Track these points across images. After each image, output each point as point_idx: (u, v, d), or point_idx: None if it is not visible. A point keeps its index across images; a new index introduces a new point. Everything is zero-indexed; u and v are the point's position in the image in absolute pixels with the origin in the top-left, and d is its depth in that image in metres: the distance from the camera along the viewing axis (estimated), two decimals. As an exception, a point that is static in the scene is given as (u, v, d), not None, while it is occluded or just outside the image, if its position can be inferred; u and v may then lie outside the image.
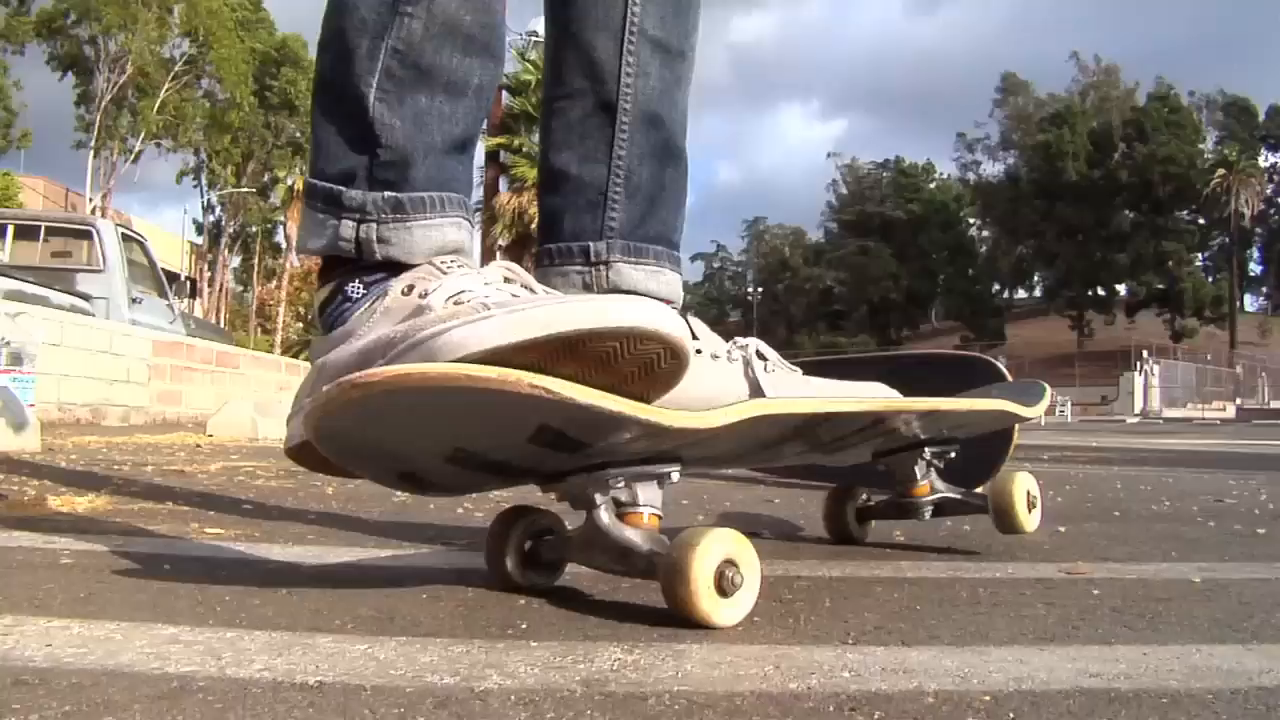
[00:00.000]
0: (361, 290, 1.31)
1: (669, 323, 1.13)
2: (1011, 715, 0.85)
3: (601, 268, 1.57)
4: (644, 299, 1.17)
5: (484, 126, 1.76)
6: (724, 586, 1.15)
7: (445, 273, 1.28)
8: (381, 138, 1.33)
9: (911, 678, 0.96)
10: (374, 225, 1.32)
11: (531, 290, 1.27)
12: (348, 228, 1.32)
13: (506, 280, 1.28)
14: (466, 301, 1.19)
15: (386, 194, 1.32)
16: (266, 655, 1.00)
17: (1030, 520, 1.84)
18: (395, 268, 1.31)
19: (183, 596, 1.28)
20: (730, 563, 1.16)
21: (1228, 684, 0.96)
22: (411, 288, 1.26)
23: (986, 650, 1.08)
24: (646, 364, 1.16)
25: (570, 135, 1.60)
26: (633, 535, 1.24)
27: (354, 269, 1.33)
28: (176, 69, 45.08)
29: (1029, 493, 1.84)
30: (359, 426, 1.13)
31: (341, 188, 1.34)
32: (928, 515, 1.86)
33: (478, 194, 25.96)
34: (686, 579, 1.13)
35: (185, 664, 0.96)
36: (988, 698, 0.89)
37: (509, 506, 1.44)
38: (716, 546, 1.15)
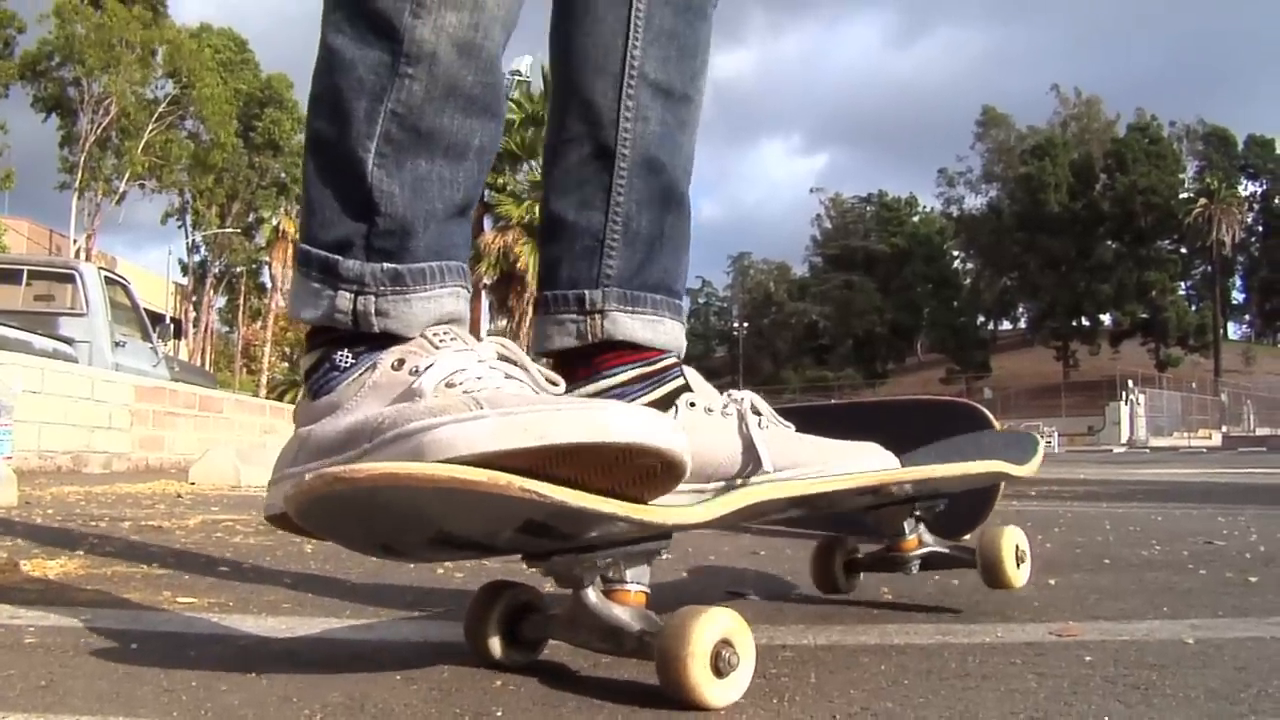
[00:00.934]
0: (350, 360, 1.26)
1: (667, 437, 1.09)
2: (1003, 818, 0.82)
3: (596, 316, 1.52)
4: (643, 410, 1.12)
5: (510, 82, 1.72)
6: (720, 667, 1.12)
7: (438, 348, 1.23)
8: (380, 205, 1.27)
9: (899, 772, 0.92)
10: (372, 298, 1.26)
11: (526, 370, 1.24)
12: (344, 299, 1.27)
13: (501, 359, 1.24)
14: (459, 385, 1.16)
15: (386, 265, 1.27)
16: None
17: (1019, 575, 1.80)
18: (389, 339, 1.27)
19: (148, 683, 1.24)
20: (726, 643, 1.13)
21: (1227, 771, 0.92)
22: (402, 362, 1.22)
23: (976, 735, 1.04)
24: (643, 473, 1.13)
25: (568, 180, 1.57)
26: (621, 614, 1.21)
27: (345, 336, 1.28)
28: (160, 110, 45.10)
29: (1018, 547, 1.81)
30: (340, 512, 1.09)
31: (338, 257, 1.27)
32: (915, 569, 1.83)
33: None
34: (682, 661, 1.10)
35: (143, 765, 0.92)
36: (978, 797, 0.86)
37: (490, 581, 1.39)
38: (712, 627, 1.12)
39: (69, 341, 10.17)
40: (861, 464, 1.58)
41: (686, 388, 1.46)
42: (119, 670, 1.31)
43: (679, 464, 1.11)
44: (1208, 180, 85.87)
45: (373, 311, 1.26)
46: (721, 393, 1.51)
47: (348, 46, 1.28)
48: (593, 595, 1.22)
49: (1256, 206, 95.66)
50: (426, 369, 1.18)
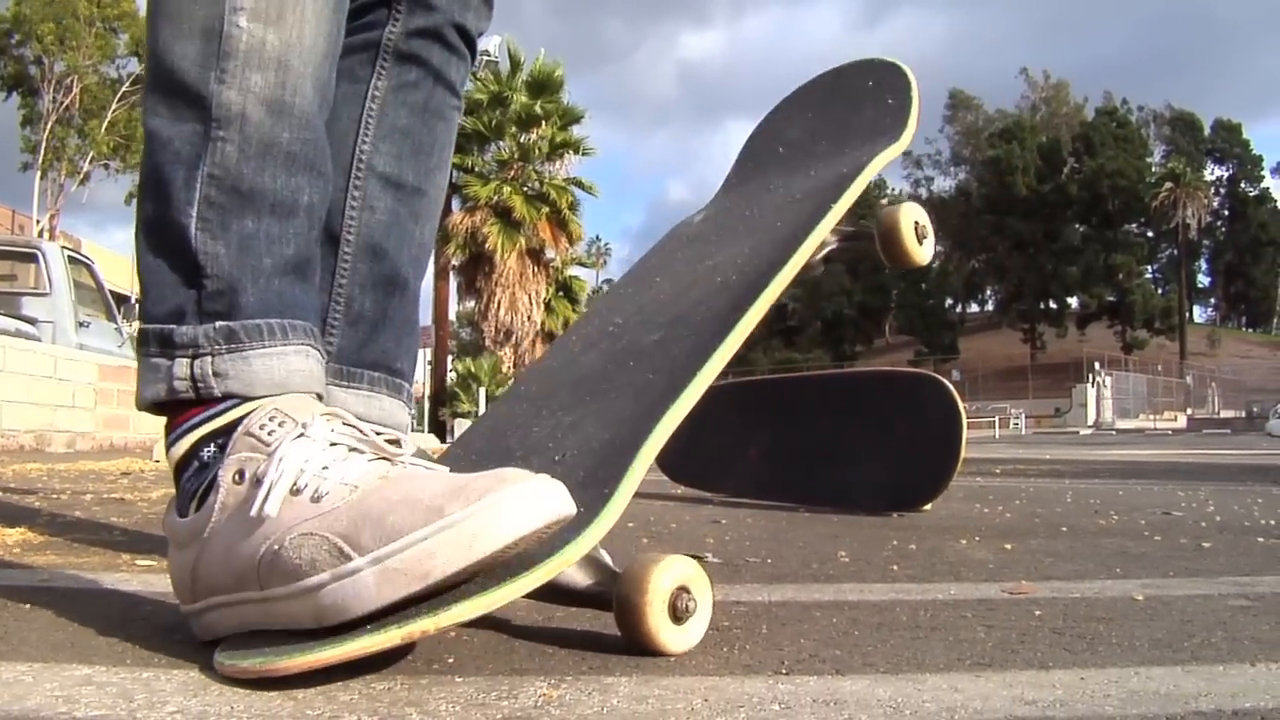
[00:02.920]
0: (214, 453, 1.20)
1: (548, 509, 1.03)
2: (942, 748, 0.83)
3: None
4: (507, 492, 1.03)
5: (465, 70, 1.82)
6: (679, 614, 1.14)
7: (269, 445, 1.14)
8: (206, 267, 1.24)
9: (842, 709, 0.93)
10: (209, 359, 1.22)
11: (365, 437, 1.17)
12: (182, 366, 1.23)
13: (334, 444, 1.15)
14: (305, 491, 1.09)
15: (218, 324, 1.23)
16: (181, 696, 0.96)
17: (922, 252, 1.80)
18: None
19: (103, 634, 1.24)
20: (684, 589, 1.15)
21: (1164, 709, 0.94)
22: (241, 474, 1.15)
23: (922, 678, 1.06)
24: (539, 542, 1.07)
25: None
26: (573, 568, 1.21)
27: (203, 422, 1.22)
28: (124, 89, 44.63)
29: (917, 223, 1.79)
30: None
31: (172, 326, 1.25)
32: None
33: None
34: (641, 608, 1.12)
35: (95, 707, 0.92)
36: (918, 730, 0.87)
37: None
38: (670, 573, 1.14)
39: (32, 321, 10.08)
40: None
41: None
42: (74, 623, 1.31)
43: (567, 519, 1.06)
44: (1174, 164, 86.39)
45: (210, 373, 1.22)
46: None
47: (164, 126, 1.28)
48: None
49: (1222, 190, 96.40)
50: (266, 479, 1.11)
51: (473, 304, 30.41)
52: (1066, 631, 1.31)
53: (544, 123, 28.40)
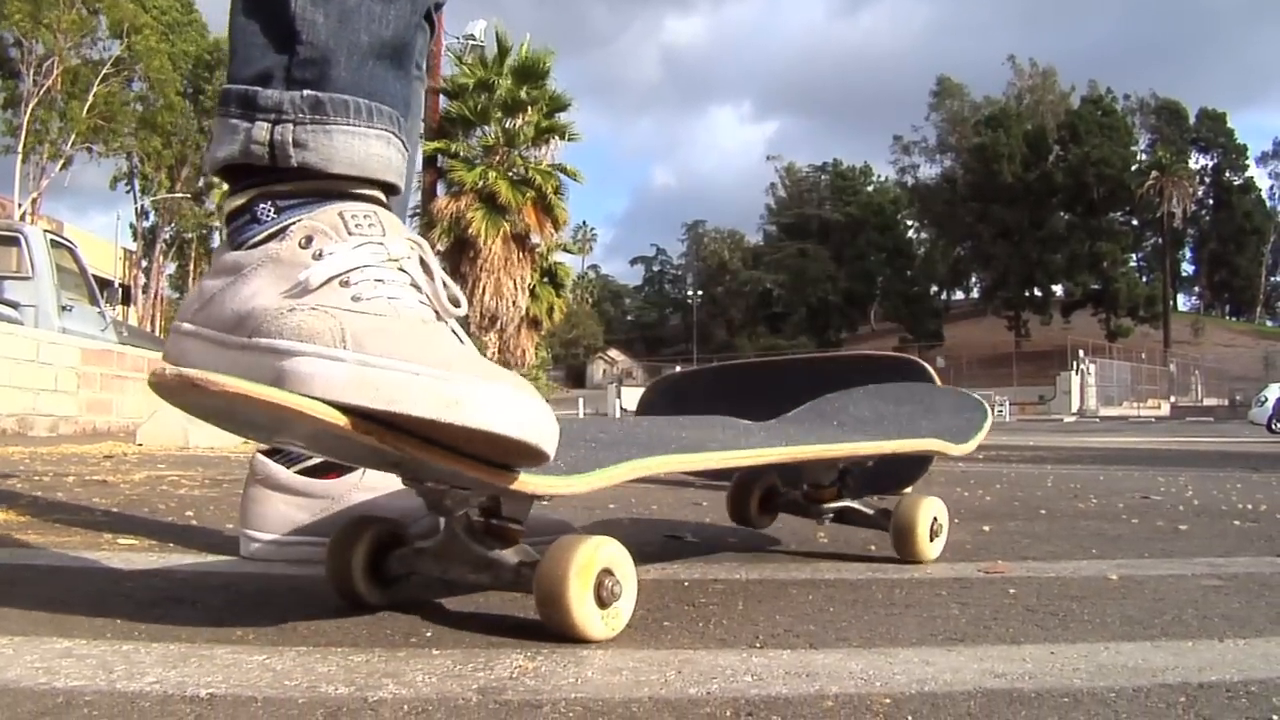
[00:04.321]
0: (272, 214, 1.18)
1: (529, 428, 1.01)
2: (910, 718, 0.84)
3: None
4: (508, 391, 1.02)
5: (425, 41, 1.73)
6: (603, 597, 1.10)
7: (350, 233, 1.15)
8: (302, 34, 1.18)
9: (814, 681, 0.95)
10: (290, 126, 1.18)
11: (432, 281, 1.17)
12: (261, 130, 1.18)
13: (402, 270, 1.15)
14: (352, 286, 1.10)
15: (305, 92, 1.18)
16: (160, 668, 0.97)
17: (932, 549, 1.76)
18: (311, 194, 1.19)
19: (83, 609, 1.25)
20: (608, 572, 1.11)
21: (1131, 682, 0.95)
22: (310, 240, 1.14)
23: (894, 652, 1.07)
24: (501, 450, 1.05)
25: None
26: (495, 546, 1.19)
27: (270, 182, 1.20)
28: (105, 70, 44.31)
29: (935, 519, 1.76)
30: (202, 405, 1.10)
31: (257, 88, 1.19)
32: (828, 520, 1.85)
33: (415, 198, 25.86)
34: (563, 592, 1.08)
35: (75, 678, 0.93)
36: (888, 700, 0.89)
37: (349, 520, 1.33)
38: (594, 556, 1.10)
39: (14, 305, 10.03)
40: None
41: None
42: (55, 598, 1.31)
43: (541, 455, 1.04)
44: (1159, 153, 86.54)
45: (290, 141, 1.18)
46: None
47: None
48: (461, 526, 1.20)
49: (1207, 180, 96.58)
50: (329, 255, 1.12)
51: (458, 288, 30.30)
52: (1040, 609, 1.32)
53: (530, 109, 28.33)
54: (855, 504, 1.84)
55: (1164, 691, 0.92)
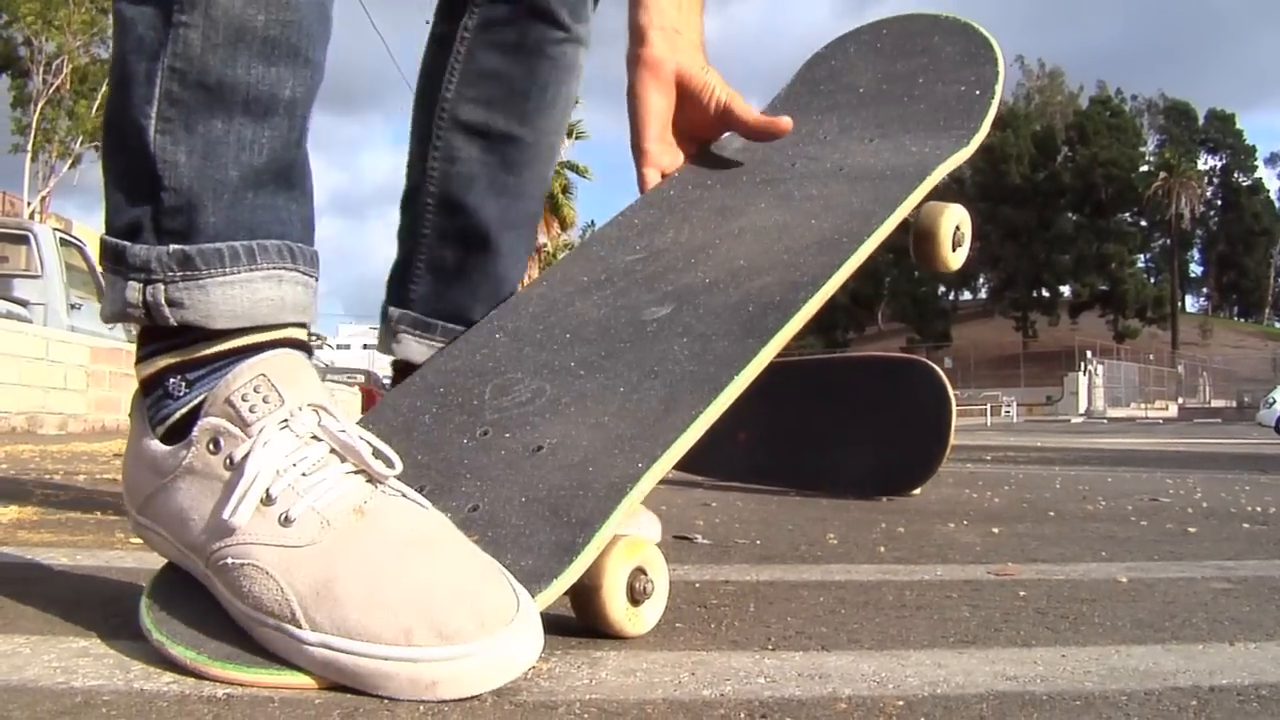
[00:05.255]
0: (183, 389, 1.10)
1: (515, 672, 0.92)
2: (923, 720, 0.85)
3: (393, 333, 1.69)
4: (493, 647, 0.90)
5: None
6: (635, 596, 1.11)
7: (248, 423, 1.01)
8: (164, 178, 1.09)
9: (827, 683, 0.95)
10: (161, 286, 1.08)
11: (351, 446, 1.03)
12: (133, 290, 1.09)
13: (316, 438, 1.03)
14: (275, 504, 0.99)
15: (172, 248, 1.09)
16: (178, 668, 0.98)
17: (954, 259, 1.65)
18: (217, 359, 1.09)
19: (99, 608, 1.25)
20: (641, 571, 1.11)
21: (1143, 685, 0.96)
22: (217, 445, 1.03)
23: (905, 654, 1.08)
24: None
25: (403, 210, 1.76)
26: None
27: (168, 350, 1.11)
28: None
29: (957, 228, 1.63)
30: None
31: (125, 243, 1.11)
32: None
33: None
34: (598, 592, 1.09)
35: (93, 678, 0.93)
36: (900, 703, 0.89)
37: None
38: (628, 557, 1.11)
39: (23, 303, 10.06)
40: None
41: None
42: (71, 597, 1.32)
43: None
44: (1168, 154, 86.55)
45: (163, 302, 1.08)
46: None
47: (126, 5, 1.11)
48: None
49: (1216, 181, 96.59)
50: (240, 469, 1.00)
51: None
52: (1050, 612, 1.33)
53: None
54: None
55: (1175, 695, 0.93)
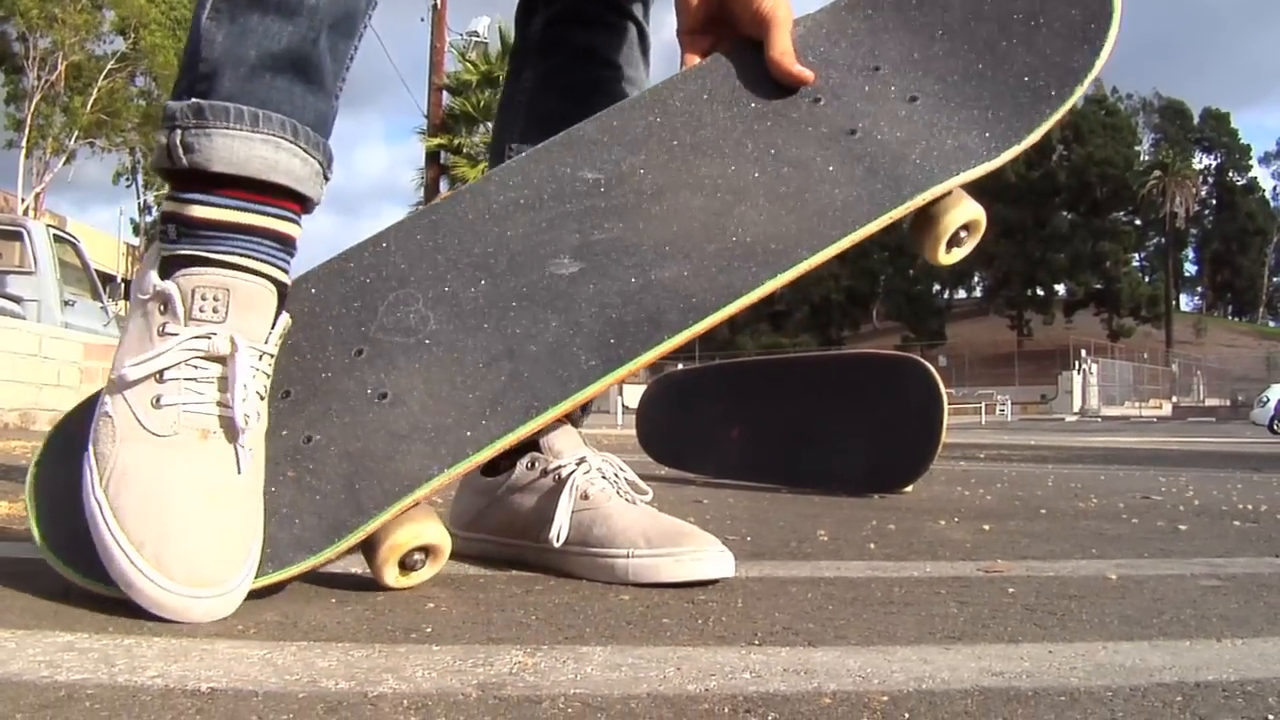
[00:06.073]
0: (173, 234, 1.31)
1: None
2: (907, 716, 0.84)
3: None
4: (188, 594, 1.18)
5: (622, 41, 1.82)
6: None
7: (189, 318, 1.27)
8: (201, 51, 1.31)
9: (812, 678, 0.95)
10: (179, 131, 1.29)
11: (227, 389, 1.26)
12: (163, 135, 1.31)
13: (216, 360, 1.27)
14: (163, 379, 1.25)
15: (192, 100, 1.30)
16: (161, 662, 0.97)
17: (947, 256, 1.53)
18: (217, 228, 1.29)
19: (87, 603, 1.25)
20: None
21: (1129, 681, 0.96)
22: (166, 306, 1.27)
23: (892, 650, 1.07)
24: None
25: None
26: None
27: (188, 193, 1.31)
28: (110, 66, 44.25)
29: (966, 226, 1.51)
30: None
31: (169, 101, 1.33)
32: None
33: (418, 195, 25.78)
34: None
35: (76, 672, 0.93)
36: (885, 698, 0.89)
37: None
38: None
39: (17, 300, 10.05)
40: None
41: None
42: (57, 593, 1.32)
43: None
44: (1163, 153, 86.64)
45: (179, 144, 1.29)
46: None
47: None
48: None
49: (1210, 180, 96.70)
50: (161, 340, 1.26)
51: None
52: (1038, 608, 1.33)
53: (533, 105, 28.24)
54: None
55: (1161, 691, 0.93)
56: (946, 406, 3.05)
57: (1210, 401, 56.13)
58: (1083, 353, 54.06)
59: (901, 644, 1.11)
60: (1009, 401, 45.29)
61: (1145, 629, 1.21)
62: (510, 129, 1.83)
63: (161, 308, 1.26)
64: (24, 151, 42.32)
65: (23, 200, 40.42)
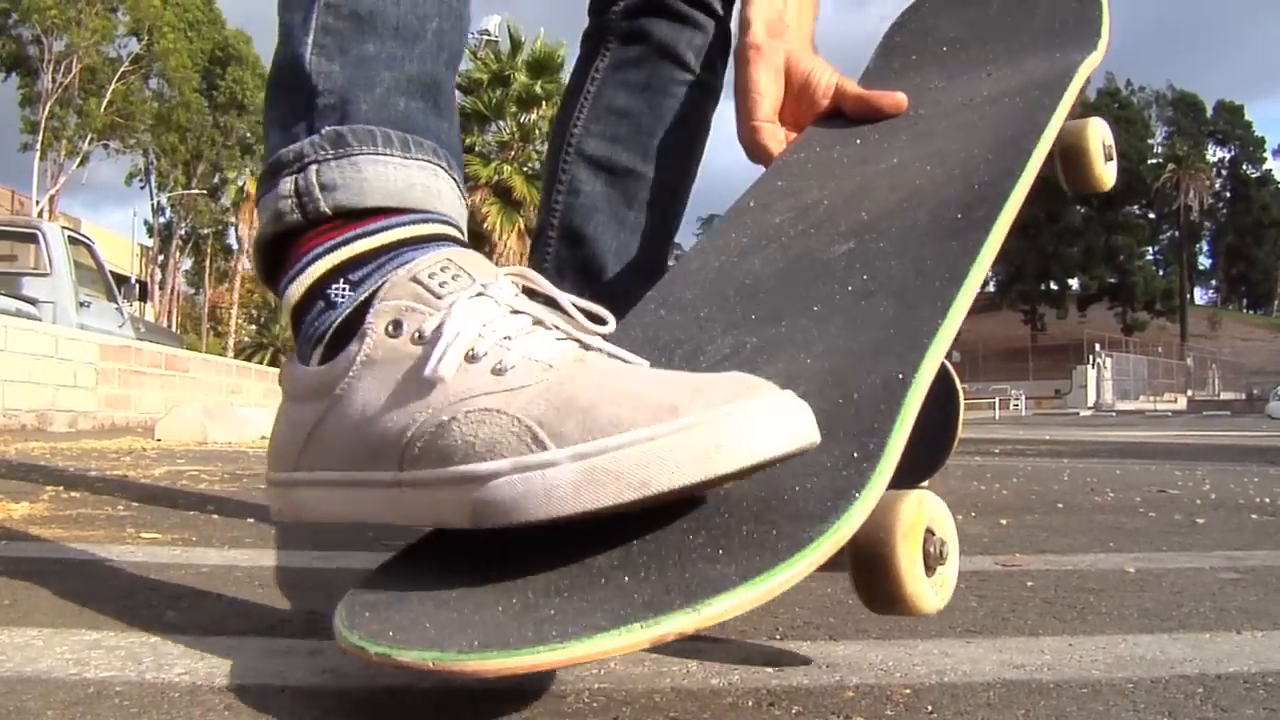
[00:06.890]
0: (348, 292, 1.00)
1: (797, 436, 0.82)
2: (930, 708, 0.85)
3: None
4: (763, 400, 0.82)
5: (705, 40, 1.79)
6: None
7: (440, 295, 0.94)
8: (319, 85, 1.07)
9: (835, 672, 0.96)
10: (314, 168, 1.03)
11: (558, 307, 0.96)
12: (286, 184, 1.04)
13: (516, 311, 0.95)
14: (483, 359, 0.89)
15: (326, 129, 1.05)
16: (188, 659, 0.98)
17: (1108, 173, 1.51)
18: (378, 253, 1.00)
19: (110, 601, 1.26)
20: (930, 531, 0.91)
21: (1149, 673, 0.96)
22: (399, 325, 0.94)
23: (913, 644, 1.08)
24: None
25: (534, 240, 1.80)
26: None
27: (330, 250, 1.02)
28: (124, 68, 44.45)
29: (1104, 142, 1.50)
30: None
31: (279, 150, 1.07)
32: None
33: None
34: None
35: (105, 669, 0.94)
36: (908, 691, 0.89)
37: None
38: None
39: (32, 301, 10.11)
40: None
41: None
42: (83, 591, 1.33)
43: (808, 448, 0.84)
44: (1176, 146, 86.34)
45: (315, 184, 1.03)
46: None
47: None
48: None
49: (1224, 172, 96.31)
50: (435, 337, 0.91)
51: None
52: (1057, 601, 1.33)
53: (544, 103, 28.34)
54: None
55: (1182, 683, 0.93)
56: (962, 402, 3.05)
57: (1225, 395, 55.98)
58: (1097, 347, 53.94)
59: (922, 638, 1.11)
60: (1023, 396, 45.25)
61: (1165, 621, 1.21)
62: (575, 116, 1.79)
63: (392, 328, 0.93)
64: (39, 154, 42.49)
65: (37, 203, 40.58)
